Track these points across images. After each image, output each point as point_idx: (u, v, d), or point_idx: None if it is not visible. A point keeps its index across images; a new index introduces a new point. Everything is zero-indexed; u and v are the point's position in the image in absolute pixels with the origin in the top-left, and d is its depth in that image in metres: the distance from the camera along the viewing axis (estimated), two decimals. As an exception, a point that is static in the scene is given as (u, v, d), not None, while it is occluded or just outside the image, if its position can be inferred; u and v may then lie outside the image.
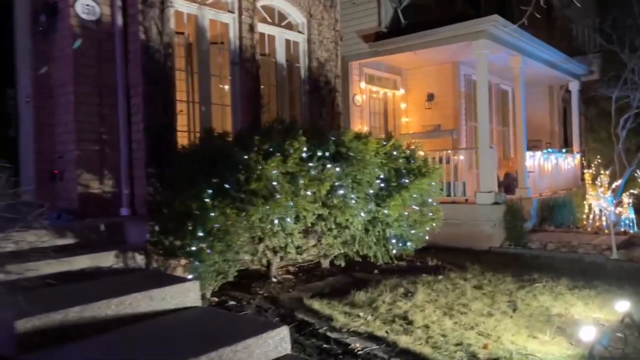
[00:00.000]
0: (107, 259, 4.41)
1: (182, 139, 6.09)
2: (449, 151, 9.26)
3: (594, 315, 4.72)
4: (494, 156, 8.91)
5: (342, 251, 5.49)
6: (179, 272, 4.61)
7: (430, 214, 6.27)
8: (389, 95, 11.50)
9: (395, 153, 5.83)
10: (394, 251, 5.72)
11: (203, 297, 4.24)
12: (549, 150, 11.79)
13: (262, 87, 6.65)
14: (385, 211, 5.22)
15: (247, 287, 5.36)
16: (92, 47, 5.46)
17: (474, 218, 8.72)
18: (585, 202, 10.06)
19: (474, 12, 11.31)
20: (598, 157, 11.82)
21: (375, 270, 6.27)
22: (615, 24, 11.62)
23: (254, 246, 5.02)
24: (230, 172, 4.22)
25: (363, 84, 10.45)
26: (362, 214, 4.98)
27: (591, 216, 9.73)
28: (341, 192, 4.64)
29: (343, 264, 6.11)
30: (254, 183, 4.18)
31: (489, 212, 8.55)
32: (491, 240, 8.55)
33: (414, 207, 5.97)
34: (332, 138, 4.93)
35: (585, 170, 10.90)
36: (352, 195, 4.79)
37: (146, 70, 5.53)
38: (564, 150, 12.48)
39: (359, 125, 10.35)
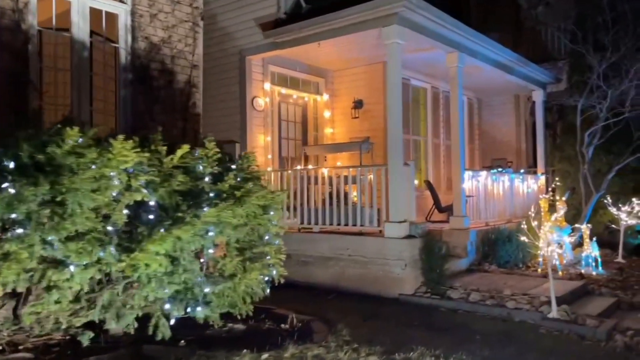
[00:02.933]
0: None
1: None
2: (355, 169, 7.30)
3: None
4: (410, 176, 6.95)
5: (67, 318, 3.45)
6: None
7: (269, 257, 4.30)
8: (309, 101, 9.60)
9: (201, 168, 3.88)
10: (171, 321, 3.72)
11: None
12: (502, 169, 9.82)
13: (40, 69, 4.75)
14: (136, 261, 3.24)
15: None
16: None
17: (382, 255, 6.73)
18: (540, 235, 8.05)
19: None
20: (557, 179, 9.87)
21: (182, 341, 4.26)
22: (582, 22, 9.75)
23: None
24: None
25: (268, 85, 8.55)
26: (72, 267, 3.03)
27: (542, 253, 7.72)
28: (19, 230, 2.71)
29: (133, 329, 4.08)
30: None
31: (400, 248, 6.57)
32: (402, 285, 6.55)
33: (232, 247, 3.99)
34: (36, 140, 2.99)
35: (542, 196, 8.93)
36: (51, 237, 2.86)
37: None
38: (522, 171, 10.51)
39: (262, 135, 8.42)
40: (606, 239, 10.09)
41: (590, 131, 9.04)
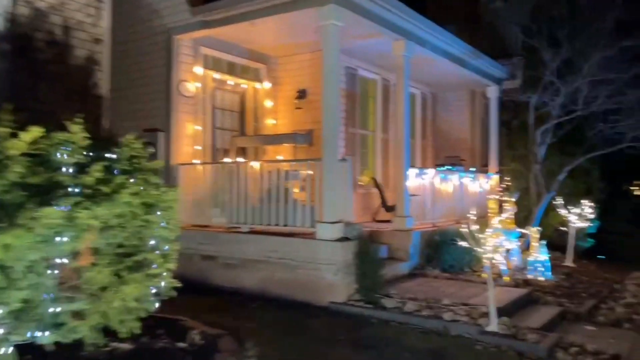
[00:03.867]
0: None
1: None
2: (289, 163, 6.63)
3: None
4: (347, 172, 6.32)
5: None
6: None
7: (155, 265, 3.58)
8: (248, 88, 8.85)
9: (59, 156, 3.12)
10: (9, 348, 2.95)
11: None
12: (452, 168, 9.34)
13: None
14: None
15: None
16: None
17: (313, 259, 6.09)
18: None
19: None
20: (508, 179, 9.48)
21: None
22: (538, 15, 9.34)
23: None
24: None
25: (199, 69, 7.76)
26: None
27: (487, 256, 7.25)
28: None
29: None
30: None
31: (332, 252, 5.93)
32: (333, 292, 5.93)
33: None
34: None
35: (490, 197, 8.49)
36: None
37: None
38: (473, 169, 10.07)
39: (190, 123, 7.64)
40: (557, 241, 9.79)
41: (543, 129, 8.64)
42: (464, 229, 5.42)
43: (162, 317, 5.31)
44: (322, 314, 5.69)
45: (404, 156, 7.49)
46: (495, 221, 6.99)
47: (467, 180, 9.48)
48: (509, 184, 9.15)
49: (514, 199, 8.00)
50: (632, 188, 19.08)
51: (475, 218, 5.64)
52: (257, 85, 8.89)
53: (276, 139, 8.03)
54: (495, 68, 10.40)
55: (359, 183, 9.21)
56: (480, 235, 5.20)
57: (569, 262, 8.84)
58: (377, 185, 9.15)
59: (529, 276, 7.45)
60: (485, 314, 5.22)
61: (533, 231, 7.62)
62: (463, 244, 5.35)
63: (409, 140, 7.62)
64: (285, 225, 6.44)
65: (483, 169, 11.20)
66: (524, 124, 9.49)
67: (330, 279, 5.93)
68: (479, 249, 5.21)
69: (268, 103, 8.99)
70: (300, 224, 6.33)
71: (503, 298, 5.84)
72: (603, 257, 9.18)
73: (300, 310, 5.81)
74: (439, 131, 12.44)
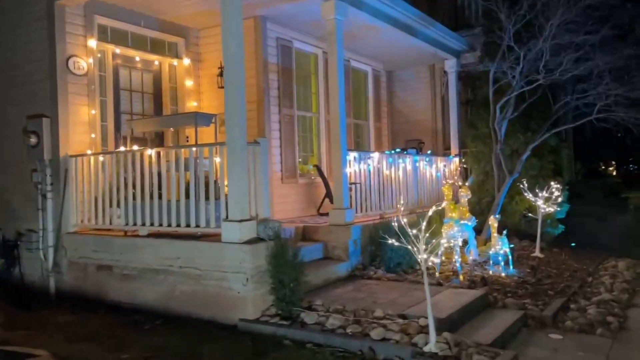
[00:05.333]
0: None
1: None
2: (187, 149, 5.44)
3: None
4: (261, 158, 5.16)
5: None
6: None
7: None
8: (163, 66, 7.62)
9: None
10: None
11: None
12: (404, 151, 8.24)
13: None
14: None
15: None
16: None
17: (219, 267, 4.94)
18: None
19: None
20: (464, 161, 8.44)
21: None
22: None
23: None
24: None
25: (93, 42, 6.49)
26: None
27: (419, 258, 6.19)
28: None
29: None
30: None
31: (240, 257, 4.79)
32: (244, 306, 4.79)
33: None
34: None
35: (445, 181, 7.41)
36: None
37: None
38: (429, 152, 9.00)
39: (85, 107, 6.38)
40: (525, 229, 8.80)
41: (502, 102, 7.57)
42: (395, 223, 4.34)
43: (11, 350, 4.14)
44: (226, 336, 4.56)
45: (340, 137, 6.37)
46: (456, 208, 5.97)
47: (421, 164, 8.41)
48: (465, 166, 8.10)
49: (467, 184, 6.93)
50: (604, 167, 18.19)
51: (407, 208, 4.57)
52: (175, 62, 7.66)
53: (173, 120, 6.81)
54: (452, 38, 9.33)
55: (299, 172, 8.09)
56: (415, 230, 4.09)
57: (537, 252, 7.86)
58: (320, 174, 8.03)
59: (490, 272, 6.43)
60: (425, 328, 4.15)
61: (492, 220, 6.56)
62: (393, 241, 4.26)
63: (345, 119, 6.49)
64: (187, 226, 5.27)
65: (447, 152, 10.16)
66: (485, 99, 8.42)
67: (240, 290, 4.79)
68: (410, 247, 4.11)
69: (189, 82, 7.76)
70: (204, 224, 5.17)
71: (450, 304, 4.78)
72: (574, 244, 8.21)
73: (202, 332, 4.67)
74: (398, 113, 11.35)
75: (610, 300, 5.66)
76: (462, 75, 10.39)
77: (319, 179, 8.12)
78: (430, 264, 5.63)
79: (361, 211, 6.80)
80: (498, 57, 7.73)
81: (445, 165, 9.25)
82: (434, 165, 8.76)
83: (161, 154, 5.56)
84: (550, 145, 8.76)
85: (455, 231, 6.16)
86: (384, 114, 10.85)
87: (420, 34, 8.40)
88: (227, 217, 4.94)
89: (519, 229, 8.61)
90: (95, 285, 5.83)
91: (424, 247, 4.09)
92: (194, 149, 5.29)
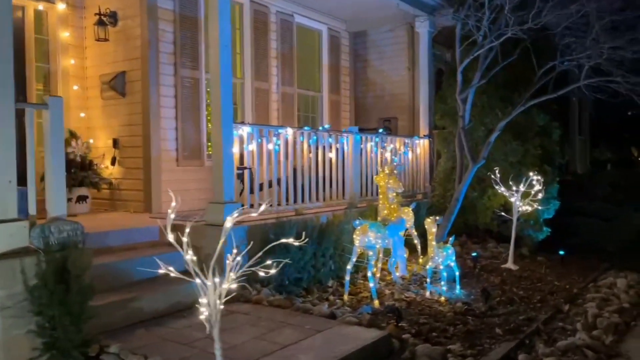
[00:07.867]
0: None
1: None
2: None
3: None
4: (51, 127, 3.49)
5: None
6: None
7: None
8: (28, 12, 5.97)
9: None
10: None
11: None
12: (355, 130, 6.40)
13: None
14: None
15: None
16: None
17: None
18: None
19: None
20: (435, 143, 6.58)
21: None
22: None
23: None
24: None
25: None
26: None
27: (349, 267, 4.46)
28: None
29: None
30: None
31: (-3, 277, 3.16)
32: None
33: None
34: None
35: (380, 169, 5.62)
36: None
37: None
38: (380, 130, 7.18)
39: None
40: (501, 231, 6.97)
41: (465, 64, 5.70)
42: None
43: None
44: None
45: (221, 106, 4.63)
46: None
47: (370, 146, 6.61)
48: (400, 150, 6.30)
49: (395, 172, 5.13)
50: (610, 155, 15.53)
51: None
52: (42, 6, 6.00)
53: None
54: (418, -12, 7.43)
55: (206, 152, 6.41)
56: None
57: (509, 263, 6.05)
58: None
59: (427, 293, 4.68)
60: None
61: (428, 223, 4.74)
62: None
63: (230, 80, 4.73)
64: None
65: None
66: (456, 66, 6.56)
67: (-5, 327, 3.17)
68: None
69: (64, 34, 6.11)
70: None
71: (325, 355, 3.07)
72: (563, 252, 6.36)
73: None
74: (370, 84, 9.49)
75: (585, 347, 3.85)
76: (439, 40, 8.49)
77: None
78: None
79: (260, 206, 5.08)
80: (464, 9, 5.85)
81: (410, 149, 7.42)
82: (389, 148, 6.95)
83: None
84: (538, 126, 6.85)
85: (372, 238, 4.39)
86: (345, 84, 9.01)
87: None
88: (-9, 214, 3.31)
89: (490, 231, 6.80)
90: None
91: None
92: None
